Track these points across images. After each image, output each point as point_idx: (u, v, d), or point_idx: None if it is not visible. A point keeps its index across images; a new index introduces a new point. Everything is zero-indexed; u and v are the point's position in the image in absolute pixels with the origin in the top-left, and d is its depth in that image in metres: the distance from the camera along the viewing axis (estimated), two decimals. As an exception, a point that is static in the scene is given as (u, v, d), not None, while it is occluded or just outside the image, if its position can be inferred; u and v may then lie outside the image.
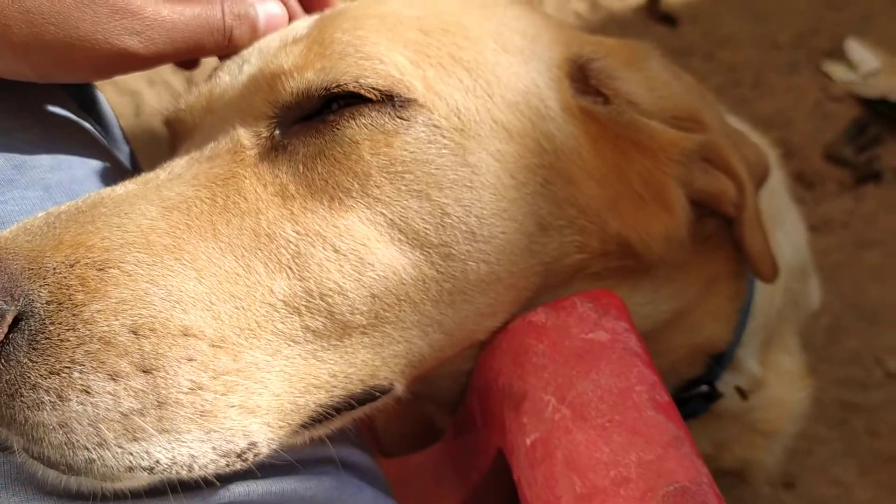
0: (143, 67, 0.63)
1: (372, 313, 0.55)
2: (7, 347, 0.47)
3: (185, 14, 0.63)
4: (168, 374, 0.48)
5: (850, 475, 1.64)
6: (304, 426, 0.55)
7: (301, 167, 0.57)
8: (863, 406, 1.73)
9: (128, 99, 1.99)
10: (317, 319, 0.54)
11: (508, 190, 0.57)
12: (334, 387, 0.55)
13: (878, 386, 1.77)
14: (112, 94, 1.98)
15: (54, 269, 0.49)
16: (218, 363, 0.50)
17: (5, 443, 0.50)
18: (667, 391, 0.51)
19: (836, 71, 2.28)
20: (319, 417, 0.55)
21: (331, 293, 0.54)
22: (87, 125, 0.70)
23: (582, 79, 0.62)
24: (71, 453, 0.47)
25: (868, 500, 1.60)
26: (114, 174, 0.66)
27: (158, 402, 0.48)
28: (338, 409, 0.55)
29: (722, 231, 0.68)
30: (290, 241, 0.54)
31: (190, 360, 0.49)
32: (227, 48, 0.66)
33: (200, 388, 0.49)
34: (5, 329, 0.47)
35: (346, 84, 0.56)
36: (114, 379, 0.47)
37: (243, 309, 0.52)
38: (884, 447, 1.67)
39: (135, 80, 1.98)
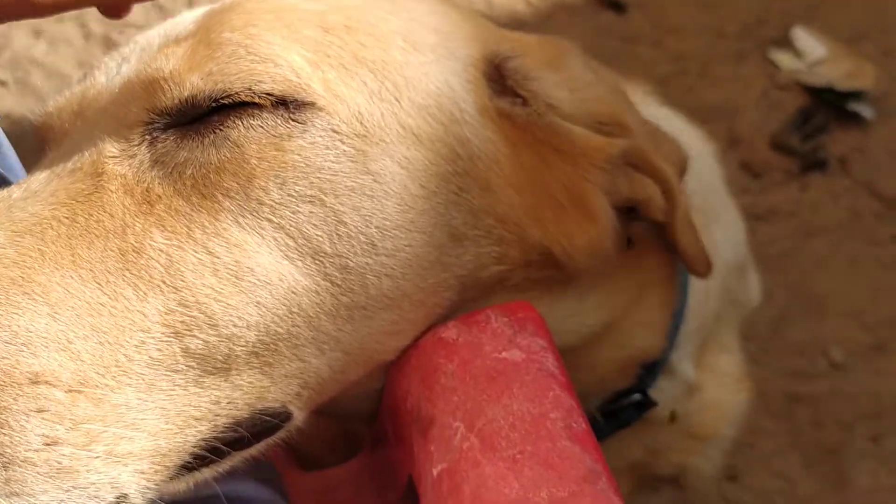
0: (49, 10, 0.54)
1: (260, 326, 0.50)
2: None
3: None
4: (14, 430, 0.43)
5: (793, 468, 1.64)
6: (187, 467, 0.49)
7: (172, 169, 0.52)
8: (808, 397, 1.73)
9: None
10: (197, 338, 0.48)
11: (416, 200, 0.53)
12: (217, 415, 0.49)
13: (823, 377, 1.77)
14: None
15: None
16: (77, 411, 0.45)
17: None
18: (584, 417, 0.47)
19: (783, 59, 2.28)
20: (204, 456, 0.50)
21: (208, 301, 0.49)
22: None
23: (499, 79, 0.58)
24: None
25: (811, 493, 1.60)
26: None
27: (4, 462, 0.42)
28: (226, 443, 0.50)
29: (649, 234, 0.64)
30: (160, 251, 0.49)
31: (41, 410, 0.44)
32: None
33: (55, 443, 0.43)
34: None
35: (237, 93, 0.51)
36: None
37: (109, 343, 0.46)
38: (828, 439, 1.67)
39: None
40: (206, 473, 0.51)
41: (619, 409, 0.70)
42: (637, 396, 0.70)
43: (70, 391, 0.45)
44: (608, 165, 0.57)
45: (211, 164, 0.51)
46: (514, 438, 0.44)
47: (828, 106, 2.17)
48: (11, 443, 0.43)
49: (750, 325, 1.81)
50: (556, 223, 0.57)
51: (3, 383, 0.43)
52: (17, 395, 0.43)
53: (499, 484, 0.42)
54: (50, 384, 0.44)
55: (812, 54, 2.29)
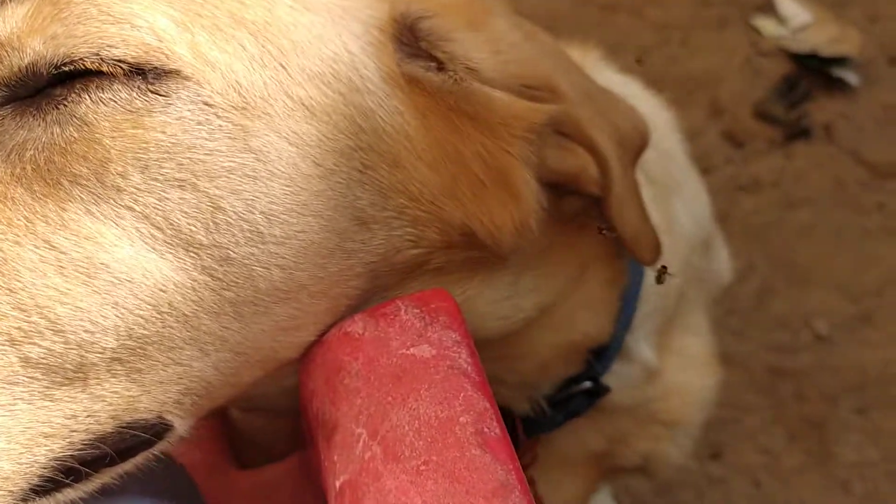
0: None
1: (120, 330, 0.44)
2: None
3: None
4: None
5: (778, 443, 1.61)
6: (39, 490, 0.44)
7: (10, 151, 0.45)
8: (791, 371, 1.70)
9: None
10: (39, 345, 0.43)
11: (310, 180, 0.47)
12: (74, 431, 0.44)
13: (807, 349, 1.74)
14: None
15: None
16: None
17: None
18: (500, 419, 0.42)
19: (767, 26, 2.24)
20: (58, 478, 0.44)
21: (52, 303, 0.43)
22: None
23: (412, 41, 0.52)
24: None
25: (796, 466, 1.57)
26: None
27: None
28: (88, 462, 0.45)
29: (590, 208, 0.58)
30: None
31: None
32: None
33: None
34: None
35: (81, 59, 0.44)
36: None
37: None
38: (812, 412, 1.64)
39: None
40: (70, 494, 0.46)
41: (568, 397, 0.65)
42: (587, 384, 0.65)
43: None
44: (532, 135, 0.51)
45: (55, 145, 0.44)
46: (419, 447, 0.39)
47: (812, 73, 2.14)
48: None
49: (732, 299, 1.79)
50: (475, 201, 0.51)
51: None
52: None
53: (399, 499, 0.37)
54: None
55: (796, 20, 2.25)
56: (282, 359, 0.50)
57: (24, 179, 0.44)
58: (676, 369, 0.77)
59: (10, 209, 0.44)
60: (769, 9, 2.23)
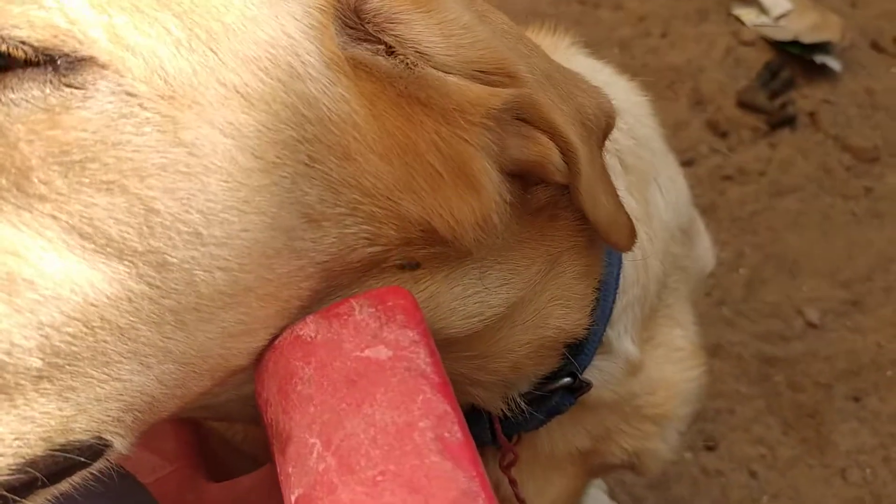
0: None
1: (46, 349, 0.41)
2: None
3: None
4: None
5: (772, 432, 1.59)
6: None
7: None
8: (784, 359, 1.68)
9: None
10: None
11: (250, 175, 0.44)
12: (0, 455, 0.41)
13: (799, 338, 1.72)
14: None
15: None
16: None
17: None
18: (462, 422, 0.39)
19: (748, 15, 2.23)
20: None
21: None
22: None
23: (356, 24, 0.49)
24: None
25: (792, 456, 1.55)
26: None
27: None
28: (14, 488, 0.42)
29: (558, 198, 0.55)
30: None
31: None
32: None
33: None
34: None
35: None
36: None
37: None
38: (806, 401, 1.62)
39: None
40: None
41: (547, 394, 0.63)
42: (567, 380, 0.63)
43: None
44: (490, 121, 0.48)
45: None
46: (375, 456, 0.36)
47: (795, 60, 2.13)
48: None
49: (722, 289, 1.77)
50: (433, 195, 0.48)
51: None
52: None
53: (355, 514, 0.35)
54: None
55: (777, 8, 2.24)
56: (232, 367, 0.47)
57: None
58: (661, 362, 0.75)
59: None
60: (750, -2, 2.23)
